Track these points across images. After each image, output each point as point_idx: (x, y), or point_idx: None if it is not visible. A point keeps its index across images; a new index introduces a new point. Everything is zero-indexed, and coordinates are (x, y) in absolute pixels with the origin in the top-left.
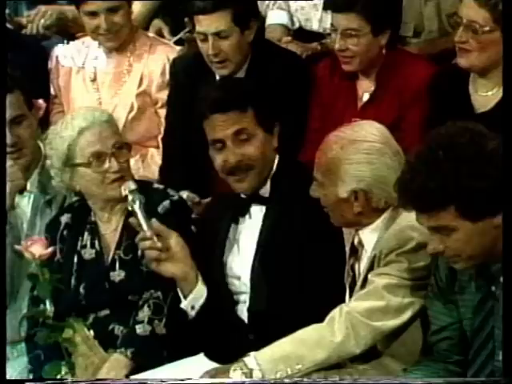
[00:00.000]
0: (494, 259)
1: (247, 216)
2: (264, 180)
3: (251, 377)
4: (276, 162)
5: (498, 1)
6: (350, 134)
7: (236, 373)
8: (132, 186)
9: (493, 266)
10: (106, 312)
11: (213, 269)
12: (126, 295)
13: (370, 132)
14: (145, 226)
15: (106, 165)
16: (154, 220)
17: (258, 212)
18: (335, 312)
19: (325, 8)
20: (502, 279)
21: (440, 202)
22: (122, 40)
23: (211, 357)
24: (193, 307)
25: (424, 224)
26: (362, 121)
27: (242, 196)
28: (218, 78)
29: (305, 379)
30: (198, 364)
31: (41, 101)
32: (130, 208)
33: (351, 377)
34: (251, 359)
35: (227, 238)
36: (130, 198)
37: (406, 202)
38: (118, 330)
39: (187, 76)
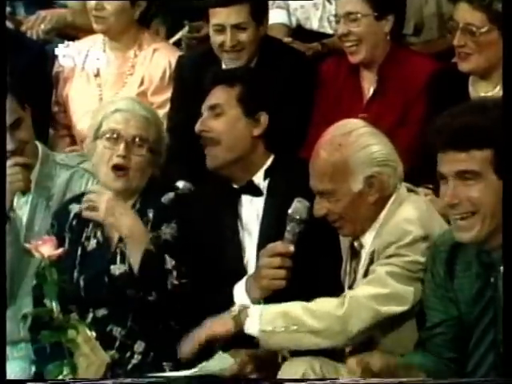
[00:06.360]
0: (497, 237)
1: (244, 210)
2: (239, 162)
3: (242, 322)
4: (272, 156)
5: (492, 1)
6: (339, 131)
7: (232, 314)
8: None
9: (494, 253)
10: (103, 312)
11: (214, 262)
12: (124, 290)
13: (355, 122)
14: None
15: (116, 146)
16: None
17: (251, 204)
18: (341, 297)
19: None
20: (502, 268)
21: (478, 141)
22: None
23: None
24: None
25: (452, 168)
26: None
27: (234, 186)
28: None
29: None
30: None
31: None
32: None
33: (350, 377)
34: (257, 308)
35: (224, 229)
36: None
37: (444, 142)
38: (116, 331)
39: (192, 72)
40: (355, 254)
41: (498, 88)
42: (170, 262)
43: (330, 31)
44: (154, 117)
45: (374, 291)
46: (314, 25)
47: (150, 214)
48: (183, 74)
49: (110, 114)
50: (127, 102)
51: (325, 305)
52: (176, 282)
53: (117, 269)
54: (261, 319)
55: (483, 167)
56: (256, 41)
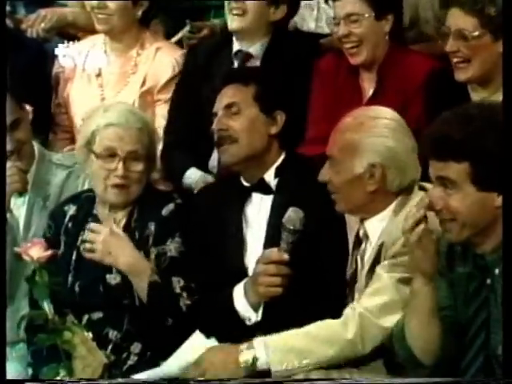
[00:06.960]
0: (486, 241)
1: (250, 207)
2: (253, 160)
3: (255, 364)
4: (283, 155)
5: (484, 6)
6: (368, 113)
7: (242, 354)
8: None
9: (488, 257)
10: (99, 315)
11: (216, 263)
12: (120, 299)
13: (386, 111)
14: None
15: (113, 165)
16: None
17: (261, 202)
18: (348, 311)
19: None
20: (497, 271)
21: (454, 153)
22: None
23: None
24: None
25: (434, 174)
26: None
27: (245, 184)
28: (235, 50)
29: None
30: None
31: (27, 106)
32: None
33: (351, 376)
34: (260, 345)
35: (228, 226)
36: None
37: (427, 149)
38: (112, 334)
39: (202, 62)
40: (359, 243)
41: (498, 93)
42: (178, 285)
43: (328, 31)
44: (146, 123)
45: (381, 301)
46: (310, 26)
47: (152, 227)
48: (193, 62)
49: (103, 129)
50: (120, 114)
51: (329, 328)
52: (188, 302)
53: (112, 279)
54: (269, 360)
55: (460, 178)
56: (264, 17)
